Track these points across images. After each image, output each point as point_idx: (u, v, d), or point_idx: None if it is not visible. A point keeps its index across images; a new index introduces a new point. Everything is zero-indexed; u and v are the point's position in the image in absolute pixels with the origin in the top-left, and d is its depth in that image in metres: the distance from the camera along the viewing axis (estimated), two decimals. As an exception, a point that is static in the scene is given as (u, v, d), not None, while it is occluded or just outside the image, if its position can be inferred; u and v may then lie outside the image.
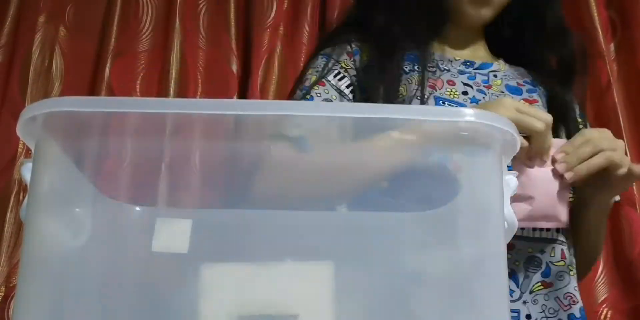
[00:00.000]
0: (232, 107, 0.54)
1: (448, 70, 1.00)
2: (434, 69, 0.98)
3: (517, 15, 1.04)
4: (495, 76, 1.02)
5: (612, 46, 1.66)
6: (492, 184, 0.56)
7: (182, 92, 1.64)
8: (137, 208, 0.59)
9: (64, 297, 0.55)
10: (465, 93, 0.97)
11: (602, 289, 1.51)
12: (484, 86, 0.99)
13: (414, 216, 0.58)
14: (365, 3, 1.05)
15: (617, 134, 1.52)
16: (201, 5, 1.72)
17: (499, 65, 1.05)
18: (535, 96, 1.01)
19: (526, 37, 1.06)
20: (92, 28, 1.71)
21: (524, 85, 1.03)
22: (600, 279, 1.52)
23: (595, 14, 1.61)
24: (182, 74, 1.65)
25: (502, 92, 0.99)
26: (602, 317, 1.48)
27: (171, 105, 0.54)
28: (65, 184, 0.56)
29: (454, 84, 0.98)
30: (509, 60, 1.07)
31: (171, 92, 1.63)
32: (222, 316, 0.53)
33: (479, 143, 0.55)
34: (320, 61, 0.98)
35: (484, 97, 0.97)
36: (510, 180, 0.58)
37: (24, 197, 0.61)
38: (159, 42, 1.69)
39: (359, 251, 0.57)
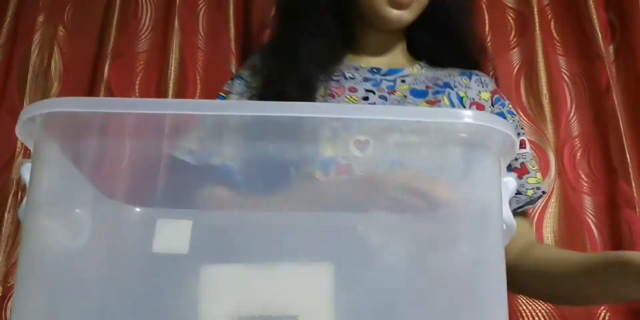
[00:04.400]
0: (232, 107, 0.54)
1: (353, 78, 1.02)
2: (339, 78, 1.01)
3: (436, 19, 1.06)
4: (403, 81, 1.03)
5: (611, 48, 1.66)
6: (490, 185, 0.56)
7: (181, 93, 1.64)
8: (137, 209, 0.59)
9: (62, 298, 0.55)
10: (366, 98, 0.99)
11: (600, 291, 1.51)
12: (387, 92, 1.01)
13: (414, 217, 0.58)
14: (282, 17, 1.09)
15: (617, 136, 1.53)
16: (201, 6, 1.72)
17: (412, 69, 1.06)
18: (440, 97, 1.01)
19: (445, 40, 1.08)
20: (91, 28, 1.71)
21: (432, 88, 1.03)
22: (598, 281, 1.52)
23: (595, 16, 1.61)
24: (181, 75, 1.65)
25: (405, 96, 1.00)
26: (601, 319, 1.48)
27: (170, 106, 0.54)
28: (64, 184, 0.56)
29: (355, 90, 1.00)
30: (433, 62, 1.09)
31: (170, 93, 1.62)
32: (221, 317, 0.53)
33: (478, 145, 0.55)
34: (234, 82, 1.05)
35: (383, 103, 0.99)
36: (509, 182, 0.58)
37: (22, 197, 0.61)
38: (158, 43, 1.69)
39: (359, 252, 0.57)
